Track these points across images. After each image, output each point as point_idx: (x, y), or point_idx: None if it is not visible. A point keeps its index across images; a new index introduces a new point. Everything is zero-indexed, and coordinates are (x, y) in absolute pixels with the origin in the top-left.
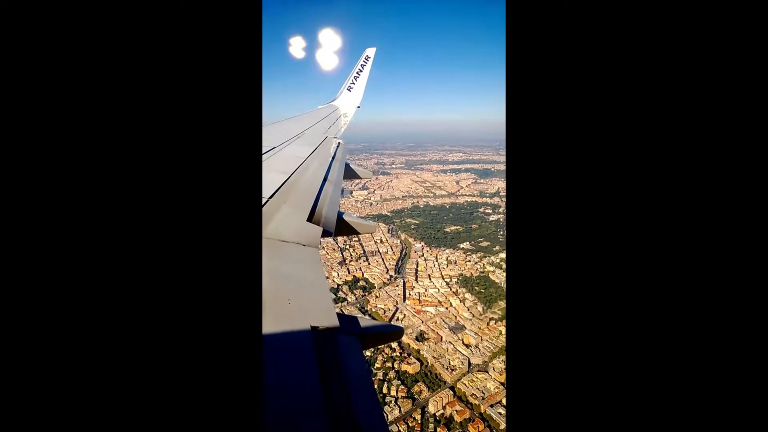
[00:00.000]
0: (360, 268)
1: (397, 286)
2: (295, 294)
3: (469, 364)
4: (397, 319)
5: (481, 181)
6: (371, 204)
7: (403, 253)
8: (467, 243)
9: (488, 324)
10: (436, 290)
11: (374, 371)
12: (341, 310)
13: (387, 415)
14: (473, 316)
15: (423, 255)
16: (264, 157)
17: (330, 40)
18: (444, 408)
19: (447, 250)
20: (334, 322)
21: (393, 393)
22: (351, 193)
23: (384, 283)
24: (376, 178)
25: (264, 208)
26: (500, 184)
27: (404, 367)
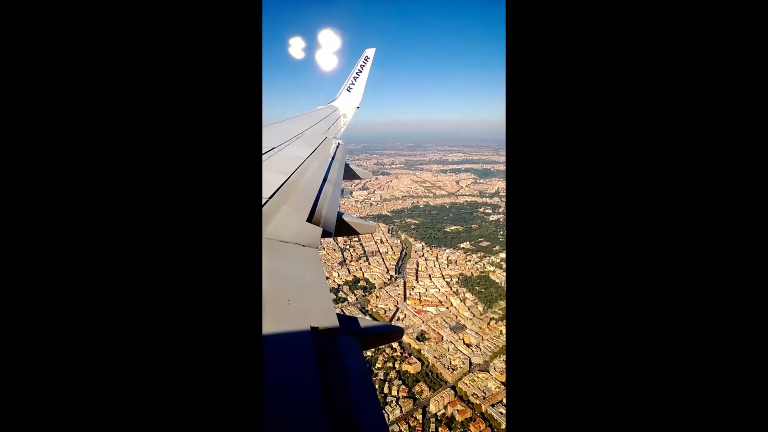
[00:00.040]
0: (360, 268)
1: (398, 286)
2: (294, 294)
3: (470, 363)
4: (398, 319)
5: (481, 181)
6: (371, 204)
7: (404, 253)
8: (467, 243)
9: (489, 323)
10: (437, 290)
11: (375, 371)
12: (342, 311)
13: (388, 415)
14: (474, 315)
15: (423, 255)
16: (263, 157)
17: (329, 41)
18: (445, 408)
19: (447, 250)
20: (334, 322)
21: (394, 393)
22: (351, 193)
23: (384, 283)
24: (376, 179)
25: (263, 209)
26: (500, 184)
27: (405, 367)
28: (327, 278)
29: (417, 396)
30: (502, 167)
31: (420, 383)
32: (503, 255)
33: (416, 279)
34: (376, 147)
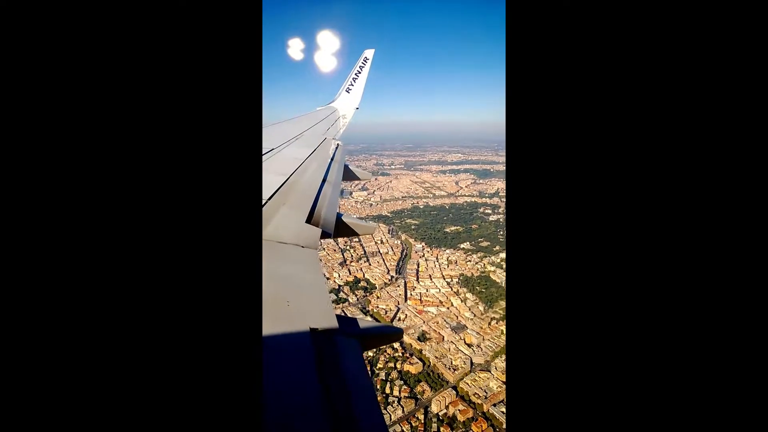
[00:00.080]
0: (361, 269)
1: (398, 286)
2: (294, 296)
3: (471, 363)
4: (399, 320)
5: (481, 181)
6: (371, 205)
7: (404, 253)
8: (467, 243)
9: (490, 323)
10: (437, 290)
11: (377, 371)
12: (343, 311)
13: (390, 415)
14: (475, 315)
15: (423, 255)
16: (263, 158)
17: (328, 42)
18: (447, 407)
19: (447, 251)
20: (333, 323)
21: (396, 393)
22: (351, 194)
23: (385, 283)
24: (376, 179)
25: (263, 210)
26: (499, 185)
27: (407, 367)
28: (327, 279)
29: (419, 396)
30: (502, 168)
31: (421, 383)
32: (503, 255)
33: (417, 279)
34: (375, 148)
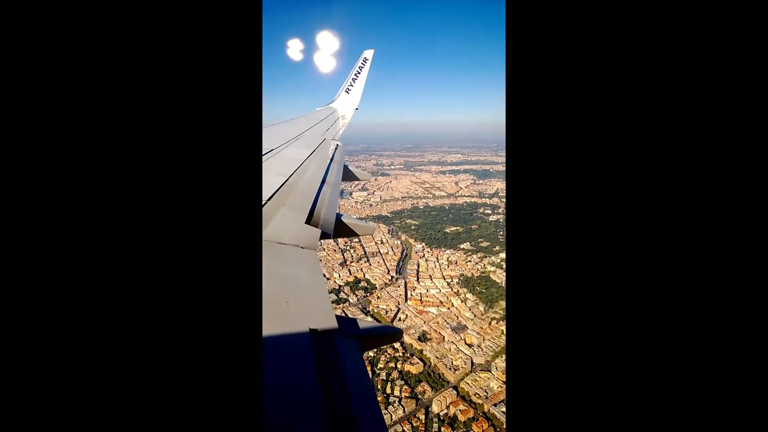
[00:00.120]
0: (361, 269)
1: (399, 286)
2: (293, 296)
3: (472, 363)
4: (400, 320)
5: (480, 181)
6: (371, 205)
7: (404, 253)
8: (467, 243)
9: (490, 324)
10: (438, 290)
11: (377, 371)
12: (343, 311)
13: (391, 415)
14: (475, 316)
15: (424, 256)
16: (262, 159)
17: (328, 43)
18: (448, 407)
19: (447, 251)
20: (333, 324)
21: (396, 393)
22: (351, 194)
23: (385, 283)
24: (375, 179)
25: (262, 210)
26: (499, 185)
27: (407, 367)
28: (328, 279)
29: (419, 396)
30: (501, 168)
31: (422, 383)
32: (503, 255)
33: (417, 280)
34: (375, 148)
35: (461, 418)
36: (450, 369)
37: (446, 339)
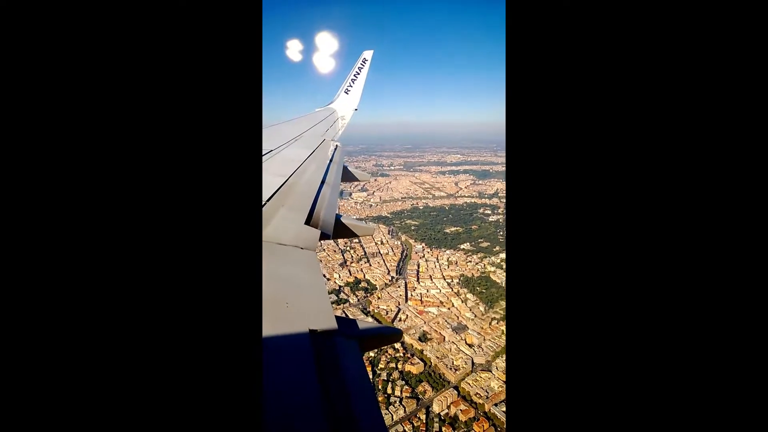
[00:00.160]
0: (361, 270)
1: (399, 287)
2: (293, 297)
3: (473, 363)
4: (400, 320)
5: (480, 182)
6: (371, 206)
7: (404, 254)
8: (467, 244)
9: (490, 324)
10: (438, 291)
11: (378, 371)
12: (344, 312)
13: (392, 415)
14: (475, 316)
15: (424, 256)
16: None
17: (327, 43)
18: (448, 407)
19: (447, 251)
20: (333, 324)
21: (397, 393)
22: (350, 194)
23: (386, 284)
24: (375, 180)
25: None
26: (499, 185)
27: (408, 367)
28: (328, 280)
29: (420, 396)
30: (501, 168)
31: (423, 383)
32: (503, 255)
33: (417, 280)
34: (374, 149)
35: (462, 418)
36: (451, 369)
37: (447, 339)
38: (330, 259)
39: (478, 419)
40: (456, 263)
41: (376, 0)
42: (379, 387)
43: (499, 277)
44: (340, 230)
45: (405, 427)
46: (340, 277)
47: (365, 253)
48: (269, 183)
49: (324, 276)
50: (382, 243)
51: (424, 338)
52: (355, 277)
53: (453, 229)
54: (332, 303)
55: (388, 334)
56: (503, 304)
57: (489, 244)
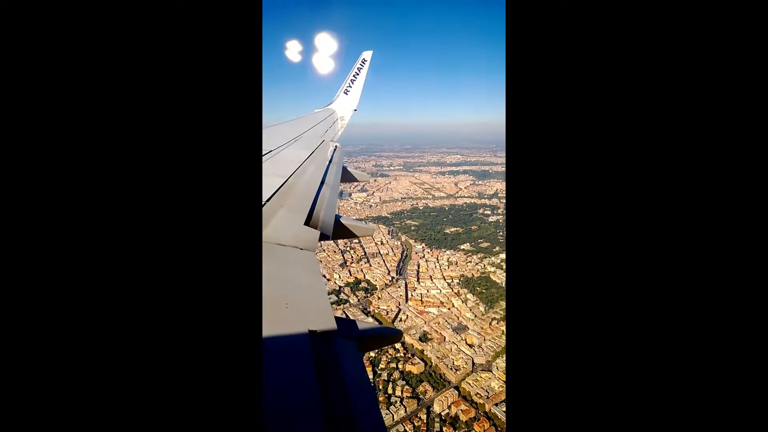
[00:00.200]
0: (362, 270)
1: (399, 287)
2: (292, 298)
3: (473, 363)
4: (400, 320)
5: (480, 182)
6: (371, 206)
7: (404, 254)
8: (467, 244)
9: (491, 324)
10: (438, 291)
11: (379, 371)
12: (344, 312)
13: (393, 415)
14: (476, 316)
15: (424, 256)
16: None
17: (327, 44)
18: (449, 407)
19: (447, 252)
20: (332, 325)
21: (398, 393)
22: (350, 195)
23: (386, 284)
24: (375, 180)
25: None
26: (498, 186)
27: (408, 367)
28: (328, 280)
29: (421, 396)
30: (500, 169)
31: (424, 383)
32: (503, 256)
33: (417, 280)
34: (374, 149)
35: (463, 417)
36: (451, 369)
37: (447, 339)
38: (330, 259)
39: (479, 419)
40: (456, 263)
41: (376, 0)
42: (380, 387)
43: (499, 277)
44: (340, 231)
45: (406, 427)
46: (340, 277)
47: (365, 253)
48: (268, 183)
49: (324, 276)
50: (382, 243)
51: (424, 338)
52: (356, 278)
53: (453, 229)
54: (333, 303)
55: (387, 335)
56: (503, 304)
57: (489, 244)
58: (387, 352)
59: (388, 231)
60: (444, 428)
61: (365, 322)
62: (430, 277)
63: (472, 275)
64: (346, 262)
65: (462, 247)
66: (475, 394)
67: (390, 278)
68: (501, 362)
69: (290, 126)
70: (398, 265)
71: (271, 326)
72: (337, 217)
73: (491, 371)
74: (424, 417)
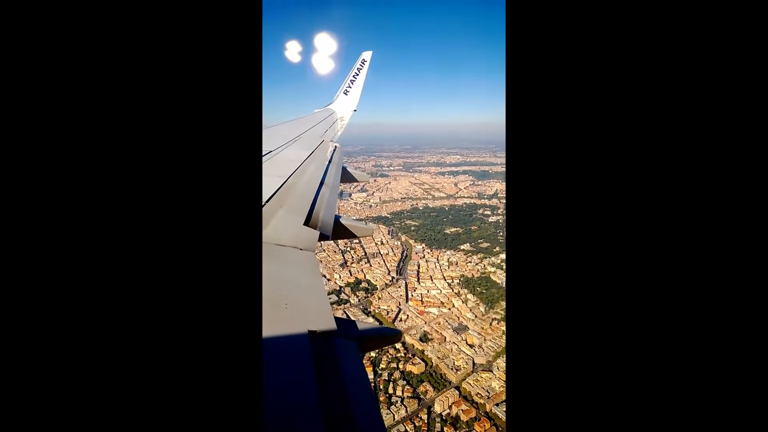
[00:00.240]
0: (362, 270)
1: (400, 287)
2: (292, 298)
3: (474, 363)
4: (401, 320)
5: (479, 182)
6: (371, 206)
7: (404, 254)
8: (467, 244)
9: (491, 324)
10: (438, 291)
11: (380, 371)
12: (345, 312)
13: (393, 415)
14: (476, 316)
15: (424, 256)
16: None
17: (326, 44)
18: (450, 407)
19: (448, 252)
20: (332, 325)
21: (399, 393)
22: (350, 195)
23: (386, 284)
24: (374, 181)
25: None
26: (498, 186)
27: (409, 367)
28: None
29: (422, 396)
30: (500, 169)
31: (424, 383)
32: (503, 256)
33: (418, 280)
34: (373, 149)
35: (464, 417)
36: (452, 369)
37: (447, 339)
38: (330, 259)
39: (480, 419)
40: (456, 264)
41: (375, 1)
42: (381, 387)
43: (499, 277)
44: (339, 231)
45: (407, 427)
46: (340, 277)
47: (365, 253)
48: (268, 184)
49: (324, 276)
50: (382, 243)
51: (425, 338)
52: (356, 278)
53: (453, 229)
54: (333, 303)
55: (387, 335)
56: (504, 304)
57: (489, 244)
58: (388, 352)
59: (388, 231)
60: (445, 428)
61: (365, 323)
62: (431, 277)
63: (473, 275)
64: (346, 262)
65: (462, 247)
66: (476, 394)
67: (390, 278)
68: (502, 362)
69: (290, 126)
70: (398, 265)
71: (271, 326)
72: (337, 218)
73: (492, 371)
74: (425, 417)
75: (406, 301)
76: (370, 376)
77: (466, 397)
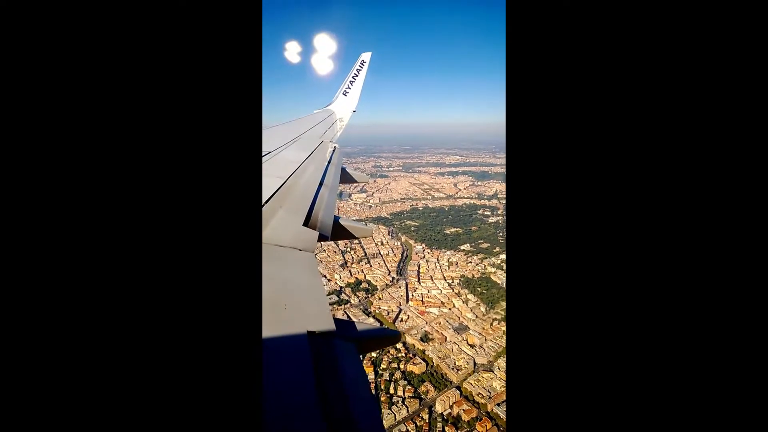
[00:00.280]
0: (362, 270)
1: (400, 287)
2: (291, 299)
3: (475, 363)
4: (401, 320)
5: (479, 183)
6: (370, 207)
7: (404, 255)
8: (467, 245)
9: (492, 324)
10: (439, 291)
11: (380, 372)
12: (345, 312)
13: (395, 415)
14: (476, 316)
15: (424, 257)
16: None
17: (326, 45)
18: (451, 407)
19: (448, 252)
20: (331, 326)
21: (400, 393)
22: (350, 196)
23: (387, 284)
24: (374, 181)
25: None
26: (498, 186)
27: (410, 367)
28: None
29: (423, 396)
30: (500, 169)
31: (425, 383)
32: (503, 256)
33: (418, 280)
34: (373, 150)
35: (465, 417)
36: (453, 369)
37: (448, 339)
38: (331, 259)
39: (481, 419)
40: (456, 264)
41: (375, 2)
42: (382, 387)
43: (500, 278)
44: (339, 232)
45: (408, 427)
46: (341, 277)
47: (366, 253)
48: (267, 184)
49: (324, 277)
50: (382, 244)
51: (425, 338)
52: (356, 278)
53: (453, 230)
54: (333, 304)
55: (386, 336)
56: (504, 304)
57: (489, 245)
58: (388, 352)
59: (388, 231)
60: (446, 428)
61: (364, 324)
62: (431, 277)
63: (473, 276)
64: (346, 263)
65: (462, 247)
66: (477, 394)
67: (390, 279)
68: (502, 362)
69: (289, 127)
70: (398, 265)
71: (270, 327)
72: (336, 218)
73: (493, 371)
74: (426, 417)
75: (407, 301)
76: (371, 376)
77: (467, 397)
